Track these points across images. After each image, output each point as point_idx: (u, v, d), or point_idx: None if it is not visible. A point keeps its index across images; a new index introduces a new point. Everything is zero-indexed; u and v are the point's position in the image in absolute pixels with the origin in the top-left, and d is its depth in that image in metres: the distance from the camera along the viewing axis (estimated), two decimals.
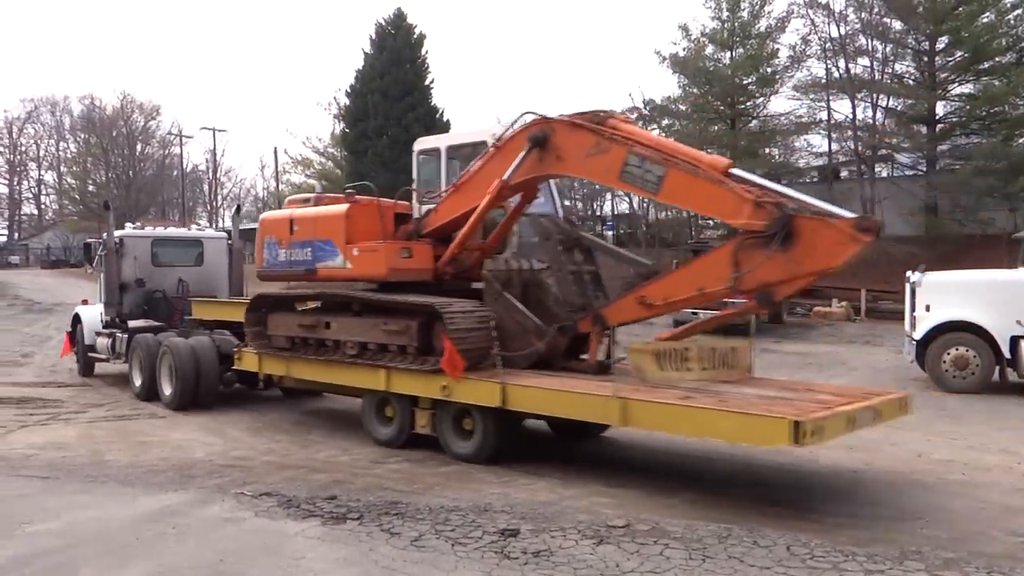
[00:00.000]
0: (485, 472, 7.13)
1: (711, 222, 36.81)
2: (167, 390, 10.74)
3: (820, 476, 7.16)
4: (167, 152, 67.64)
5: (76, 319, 13.89)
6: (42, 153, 77.82)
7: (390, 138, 32.73)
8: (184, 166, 65.48)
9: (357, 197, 9.24)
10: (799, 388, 7.17)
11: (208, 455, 7.91)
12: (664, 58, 32.39)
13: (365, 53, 34.54)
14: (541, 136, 7.43)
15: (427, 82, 34.48)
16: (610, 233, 35.08)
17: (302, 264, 8.96)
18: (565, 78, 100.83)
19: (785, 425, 5.40)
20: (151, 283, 12.68)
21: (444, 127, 34.52)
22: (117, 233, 12.89)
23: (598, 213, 44.76)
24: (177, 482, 6.81)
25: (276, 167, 56.81)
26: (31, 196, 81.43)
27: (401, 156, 32.39)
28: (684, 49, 32.56)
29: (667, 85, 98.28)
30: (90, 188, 63.96)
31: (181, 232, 14.15)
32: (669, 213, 35.35)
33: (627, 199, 43.37)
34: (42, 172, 79.01)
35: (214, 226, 47.95)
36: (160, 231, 13.49)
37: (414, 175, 10.30)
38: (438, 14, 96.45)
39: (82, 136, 70.14)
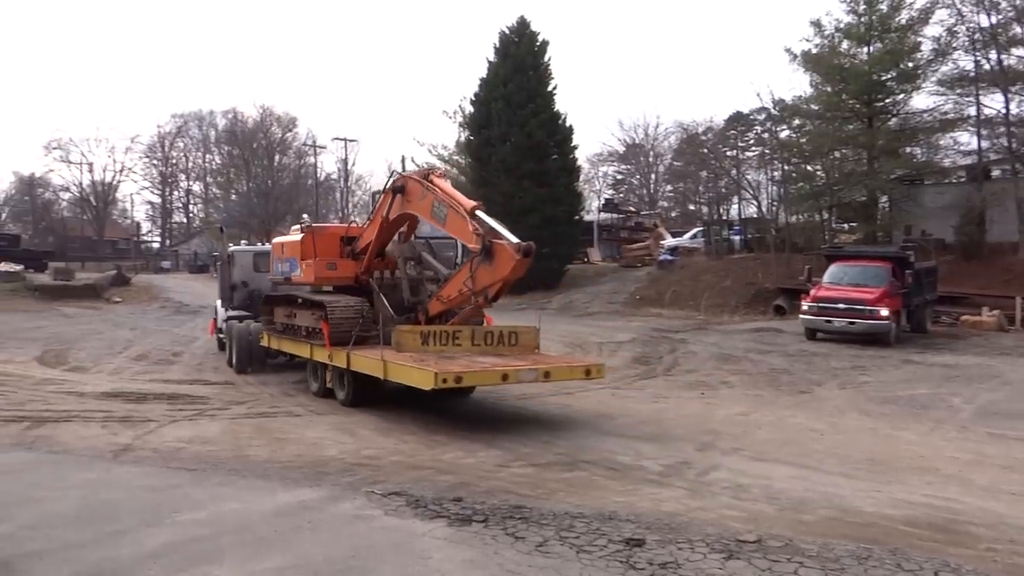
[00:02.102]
0: (609, 479, 7.06)
1: (845, 226, 35.29)
2: (234, 358, 14.79)
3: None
4: (302, 162, 70.94)
5: (215, 311, 18.16)
6: (190, 165, 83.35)
7: (513, 144, 33.03)
8: (318, 175, 68.53)
9: (313, 226, 12.97)
10: (528, 358, 10.12)
11: (340, 453, 8.20)
12: (795, 56, 31.17)
13: (489, 62, 35.03)
14: (400, 187, 11.02)
15: (549, 88, 34.58)
16: (737, 238, 34.11)
17: (285, 273, 13.32)
18: (689, 79, 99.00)
19: (431, 375, 8.66)
20: (252, 285, 16.24)
21: (566, 133, 34.58)
22: (230, 248, 17.08)
23: (724, 217, 43.68)
24: (312, 478, 7.09)
25: None
26: (180, 205, 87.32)
27: (524, 162, 32.70)
28: (816, 46, 31.22)
29: (798, 84, 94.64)
30: (233, 197, 67.82)
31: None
32: (800, 217, 34.07)
33: (755, 203, 42.24)
34: (190, 182, 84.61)
35: None
36: (258, 247, 17.77)
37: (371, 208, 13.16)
38: (561, 20, 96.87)
39: (225, 148, 74.60)
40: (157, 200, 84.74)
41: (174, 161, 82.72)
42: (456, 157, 44.53)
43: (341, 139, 70.53)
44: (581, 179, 44.12)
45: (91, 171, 76.10)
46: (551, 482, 6.99)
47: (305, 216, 18.94)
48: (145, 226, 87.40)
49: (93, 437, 9.01)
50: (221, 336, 17.00)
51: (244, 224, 57.83)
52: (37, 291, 33.48)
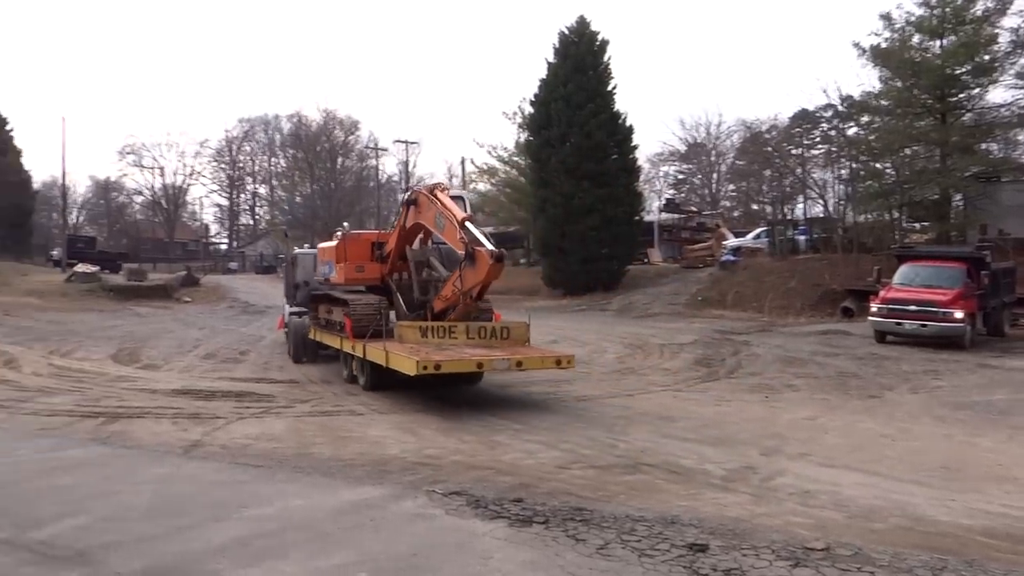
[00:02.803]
0: (671, 483, 6.98)
1: (916, 226, 34.20)
2: (291, 348, 16.66)
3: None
4: (364, 164, 71.92)
5: (283, 308, 19.39)
6: (256, 168, 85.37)
7: (573, 145, 32.94)
8: (379, 177, 69.40)
9: (348, 233, 14.65)
10: (516, 350, 11.38)
11: (402, 452, 8.28)
12: (864, 50, 30.31)
13: (549, 62, 34.99)
14: (413, 200, 12.77)
15: (609, 88, 34.37)
16: (802, 238, 33.37)
17: (325, 275, 15.17)
18: (753, 76, 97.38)
19: (414, 363, 10.04)
20: (312, 284, 16.82)
21: (626, 132, 34.32)
22: (295, 251, 19.23)
23: (789, 217, 42.81)
24: (374, 477, 7.17)
25: (463, 176, 58.83)
26: (247, 208, 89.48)
27: (584, 162, 32.59)
28: (886, 40, 30.29)
29: (867, 79, 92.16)
30: (297, 199, 69.18)
31: None
32: (869, 216, 33.16)
33: (821, 202, 41.29)
34: (256, 185, 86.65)
35: None
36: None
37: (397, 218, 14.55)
38: (621, 18, 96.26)
39: (290, 151, 76.18)
40: (225, 203, 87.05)
41: (241, 164, 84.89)
42: (516, 158, 44.62)
43: (402, 141, 71.14)
44: (641, 179, 43.84)
45: (162, 175, 78.57)
46: (612, 484, 6.94)
47: (345, 224, 20.26)
48: (213, 228, 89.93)
49: (164, 433, 9.29)
50: (286, 331, 18.09)
51: (308, 226, 58.97)
52: (112, 291, 34.70)
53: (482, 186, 52.30)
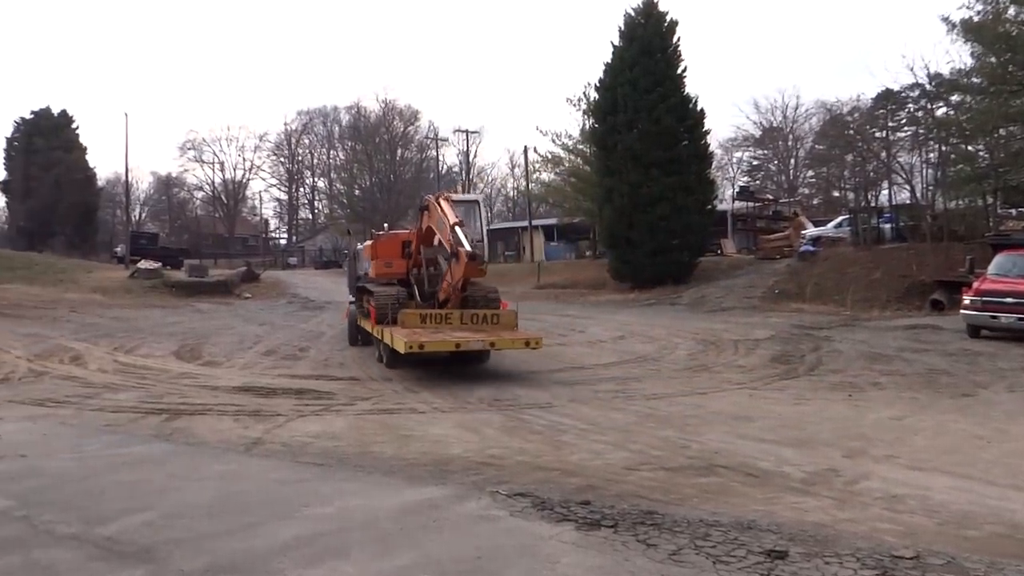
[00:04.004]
0: (748, 486, 6.86)
1: (1012, 212, 32.87)
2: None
3: None
4: (424, 155, 72.63)
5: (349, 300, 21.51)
6: (315, 161, 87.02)
7: (640, 131, 32.63)
8: (440, 168, 69.96)
9: (380, 234, 18.24)
10: (493, 331, 13.95)
11: (464, 451, 8.34)
12: (953, 25, 29.13)
13: (614, 46, 34.69)
14: (424, 205, 15.56)
15: (678, 71, 33.92)
16: (888, 226, 32.42)
17: (365, 270, 18.34)
18: (832, 56, 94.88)
19: (404, 343, 12.60)
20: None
21: (697, 117, 33.84)
22: (358, 246, 21.21)
23: (872, 204, 41.64)
24: (436, 476, 7.24)
25: (526, 166, 58.89)
26: (306, 202, 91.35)
27: (652, 149, 32.24)
28: (978, 13, 29.05)
29: (957, 56, 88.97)
30: (356, 192, 70.22)
31: None
32: (960, 202, 32.02)
33: (908, 188, 40.00)
34: (315, 179, 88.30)
35: None
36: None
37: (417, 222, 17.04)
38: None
39: (349, 143, 77.36)
40: (284, 197, 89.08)
41: (300, 158, 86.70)
42: (580, 146, 44.41)
43: (463, 131, 71.81)
44: (714, 166, 43.15)
45: (222, 170, 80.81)
46: (684, 487, 6.86)
47: (385, 225, 23.32)
48: (273, 223, 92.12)
49: (226, 430, 9.55)
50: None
51: (367, 219, 59.79)
52: (174, 287, 35.79)
53: (546, 175, 52.25)
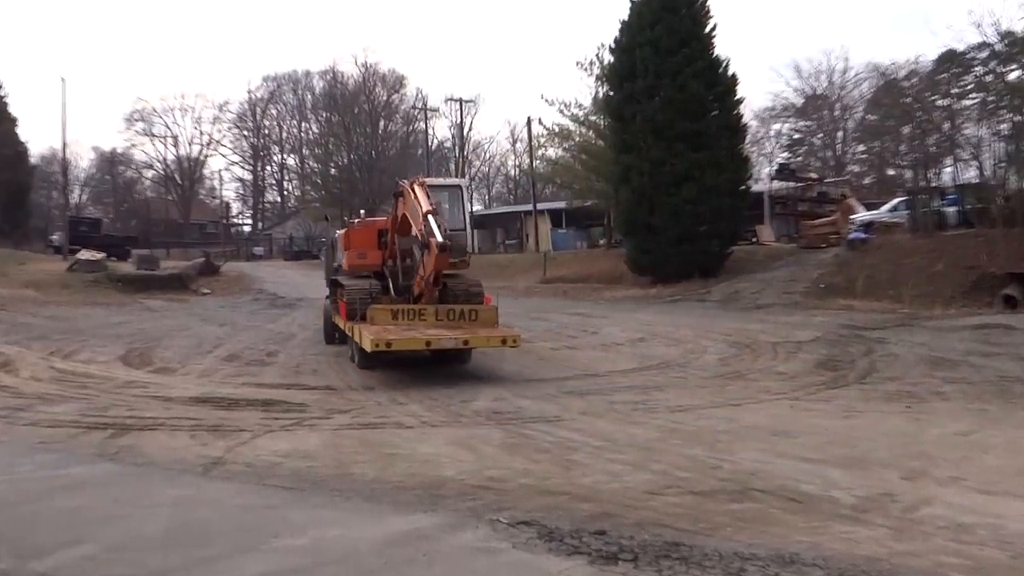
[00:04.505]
0: (789, 513, 6.85)
1: None
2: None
3: None
4: (411, 128, 72.64)
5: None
6: (284, 135, 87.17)
7: (663, 99, 32.62)
8: (429, 143, 69.98)
9: (354, 221, 19.49)
10: (471, 327, 14.85)
11: (459, 473, 8.33)
12: None
13: (632, 1, 34.66)
14: (398, 192, 16.30)
15: (707, 30, 33.86)
16: (952, 209, 32.38)
17: (339, 261, 19.26)
18: (886, 12, 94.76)
19: (370, 341, 13.60)
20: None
21: (728, 83, 33.80)
22: (336, 234, 21.05)
23: (934, 184, 41.60)
24: (426, 502, 7.22)
25: (529, 141, 58.93)
26: (274, 182, 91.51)
27: (676, 120, 32.22)
28: None
29: None
30: (332, 172, 70.26)
31: None
32: None
33: (975, 164, 39.97)
34: (284, 156, 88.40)
35: None
36: None
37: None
38: None
39: (323, 115, 77.41)
40: (248, 177, 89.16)
41: (266, 131, 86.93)
42: (593, 117, 44.45)
43: (455, 100, 71.86)
44: (748, 140, 43.14)
45: (176, 145, 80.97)
46: (715, 514, 6.85)
47: (362, 212, 24.28)
48: (235, 207, 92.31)
49: (181, 448, 9.53)
50: None
51: (346, 202, 59.83)
52: (120, 282, 35.83)
53: (552, 152, 52.31)
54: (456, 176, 71.29)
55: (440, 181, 20.15)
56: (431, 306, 15.27)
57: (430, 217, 14.46)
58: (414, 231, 15.60)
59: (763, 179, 53.94)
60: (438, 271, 14.90)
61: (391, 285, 17.09)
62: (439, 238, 14.16)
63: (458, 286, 16.34)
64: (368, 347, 13.74)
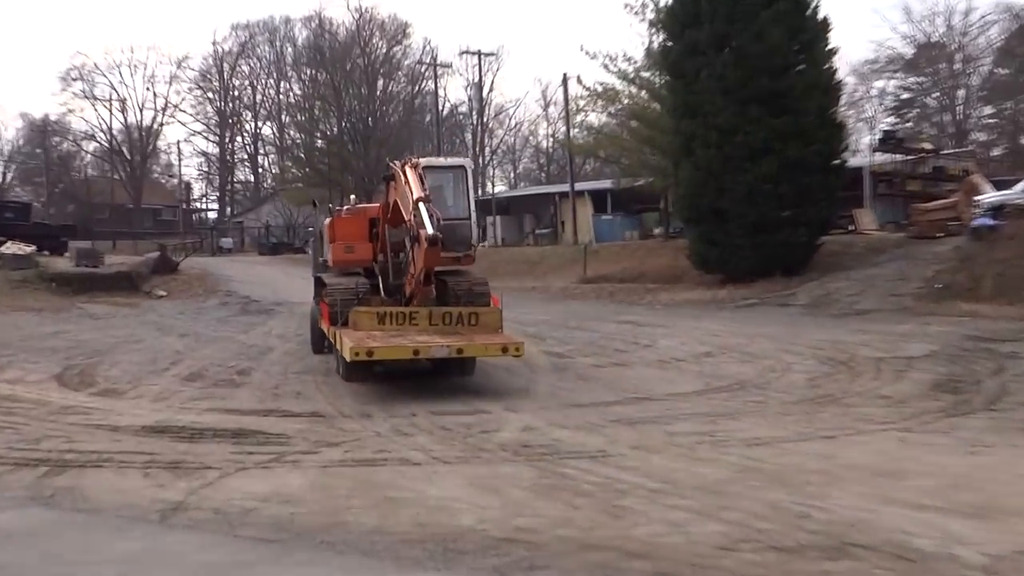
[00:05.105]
0: (899, 575, 6.80)
1: None
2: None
3: None
4: (418, 89, 72.70)
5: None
6: (259, 98, 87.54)
7: (735, 51, 32.45)
8: (440, 109, 70.02)
9: (342, 208, 20.42)
10: (470, 333, 15.57)
11: (479, 522, 8.33)
12: None
13: None
14: (389, 175, 17.33)
15: None
16: None
17: (325, 256, 20.37)
18: None
19: (349, 349, 14.43)
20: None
21: (818, 30, 33.52)
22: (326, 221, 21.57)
23: None
24: (438, 559, 7.23)
25: (566, 104, 58.82)
26: (245, 157, 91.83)
27: (752, 77, 31.99)
28: None
29: None
30: (319, 143, 70.37)
31: None
32: None
33: None
34: (259, 124, 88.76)
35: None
36: None
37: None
38: None
39: (308, 72, 77.59)
40: (214, 150, 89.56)
41: (236, 94, 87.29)
42: (645, 74, 44.26)
43: (472, 53, 71.81)
44: (843, 102, 42.80)
45: (123, 111, 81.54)
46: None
47: (352, 197, 25.09)
48: (197, 188, 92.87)
49: (132, 490, 9.58)
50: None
51: (335, 182, 59.99)
52: (54, 282, 35.98)
53: (595, 117, 52.17)
54: (473, 149, 71.54)
55: (440, 162, 20.71)
56: (424, 309, 15.97)
57: (421, 205, 15.04)
58: (406, 221, 16.18)
59: (863, 151, 53.59)
60: (429, 268, 15.56)
61: (381, 284, 17.92)
62: (429, 230, 14.69)
63: (460, 285, 16.95)
64: (347, 356, 14.51)
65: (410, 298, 16.61)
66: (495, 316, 16.13)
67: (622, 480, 9.78)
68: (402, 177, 16.04)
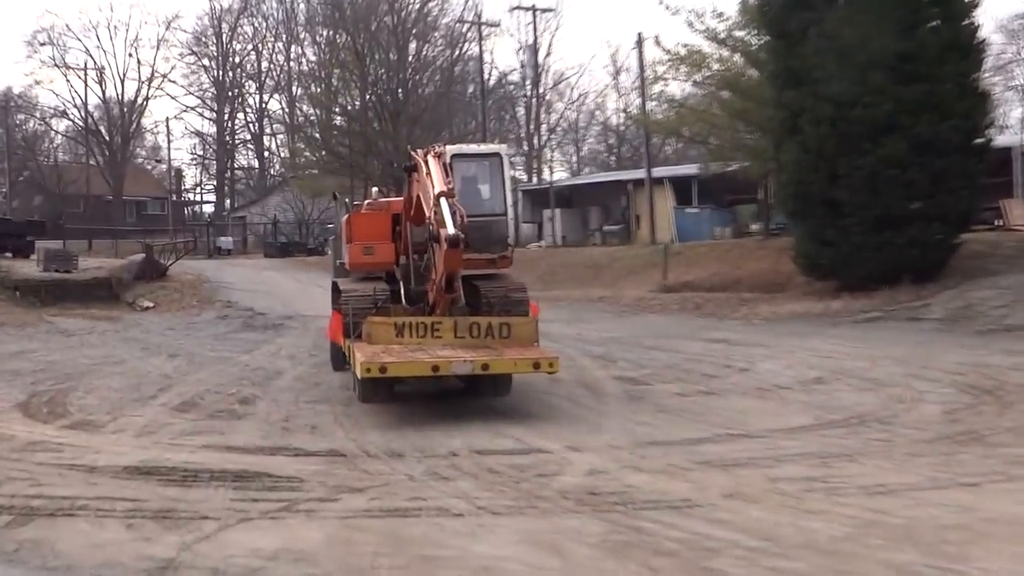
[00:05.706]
0: None
1: None
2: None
3: None
4: (458, 54, 72.68)
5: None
6: (264, 66, 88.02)
7: (851, 4, 32.31)
8: (485, 78, 69.99)
9: (362, 204, 21.37)
10: (493, 347, 16.10)
11: None
12: None
13: None
14: (411, 166, 17.67)
15: None
16: None
17: (342, 259, 20.67)
18: None
19: (360, 365, 15.21)
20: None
21: None
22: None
23: None
24: None
25: (641, 72, 58.72)
26: (249, 138, 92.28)
27: (873, 37, 31.71)
28: None
29: None
30: (337, 120, 70.50)
31: None
32: None
33: None
34: (264, 97, 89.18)
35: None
36: None
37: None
38: None
39: (324, 34, 77.91)
40: (210, 129, 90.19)
41: (237, 61, 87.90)
42: (740, 33, 44.10)
43: (526, 8, 71.87)
44: (988, 67, 42.38)
45: (101, 82, 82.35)
46: None
47: (375, 189, 26.72)
48: (190, 176, 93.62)
49: (112, 544, 9.65)
50: None
51: (358, 168, 60.12)
52: (18, 290, 36.53)
53: (677, 87, 52.01)
54: (527, 127, 71.58)
55: (472, 149, 21.22)
56: (448, 319, 16.48)
57: (443, 200, 15.58)
58: (427, 218, 16.67)
59: (1013, 127, 53.06)
60: (451, 272, 16.06)
61: (403, 290, 18.54)
62: (450, 229, 15.23)
63: (494, 291, 17.64)
64: (359, 373, 15.31)
65: (433, 306, 17.03)
66: (530, 327, 16.59)
67: (713, 536, 9.74)
68: (424, 168, 16.56)
